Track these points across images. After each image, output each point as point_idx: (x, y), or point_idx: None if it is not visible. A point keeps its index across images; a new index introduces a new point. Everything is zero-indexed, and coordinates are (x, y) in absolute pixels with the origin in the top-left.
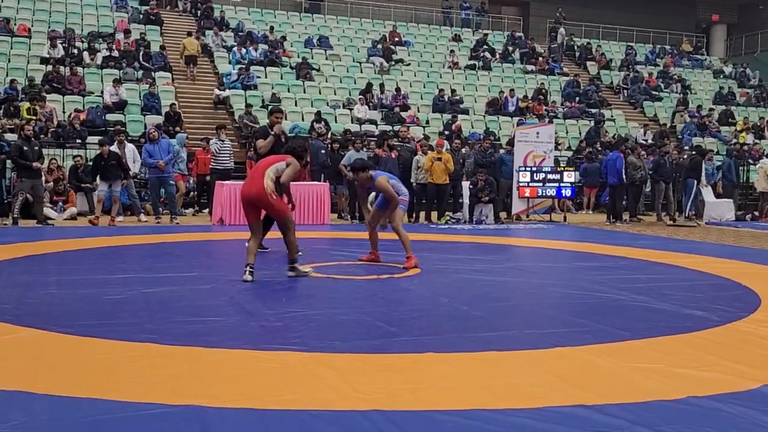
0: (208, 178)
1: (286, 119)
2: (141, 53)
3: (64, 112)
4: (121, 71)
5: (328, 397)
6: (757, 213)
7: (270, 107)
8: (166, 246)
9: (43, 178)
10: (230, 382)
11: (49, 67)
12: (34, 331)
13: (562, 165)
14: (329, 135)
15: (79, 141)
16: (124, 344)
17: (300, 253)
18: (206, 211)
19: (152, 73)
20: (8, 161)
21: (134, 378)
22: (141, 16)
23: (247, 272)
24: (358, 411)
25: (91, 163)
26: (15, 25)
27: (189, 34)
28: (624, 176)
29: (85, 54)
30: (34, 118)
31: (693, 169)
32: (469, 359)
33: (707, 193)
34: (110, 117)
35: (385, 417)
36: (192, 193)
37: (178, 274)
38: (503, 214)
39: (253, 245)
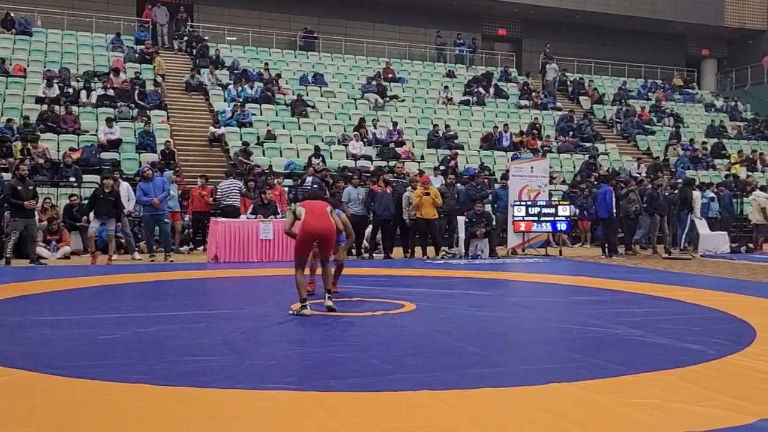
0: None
1: (281, 155)
2: (136, 92)
3: (58, 151)
4: (116, 110)
5: None
6: (751, 245)
7: None
8: (160, 284)
9: (37, 218)
10: (224, 423)
11: (45, 107)
12: (26, 373)
13: (555, 199)
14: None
15: (73, 179)
16: (117, 385)
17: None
18: (201, 248)
19: (147, 111)
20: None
21: (127, 420)
22: (136, 55)
23: (303, 307)
24: None
25: (86, 202)
26: (11, 65)
27: (157, 53)
28: (615, 210)
29: (83, 93)
30: (27, 157)
31: (684, 201)
32: (464, 396)
33: (701, 226)
34: (105, 155)
35: None
36: (186, 230)
37: (171, 313)
38: (499, 249)
39: (303, 279)
